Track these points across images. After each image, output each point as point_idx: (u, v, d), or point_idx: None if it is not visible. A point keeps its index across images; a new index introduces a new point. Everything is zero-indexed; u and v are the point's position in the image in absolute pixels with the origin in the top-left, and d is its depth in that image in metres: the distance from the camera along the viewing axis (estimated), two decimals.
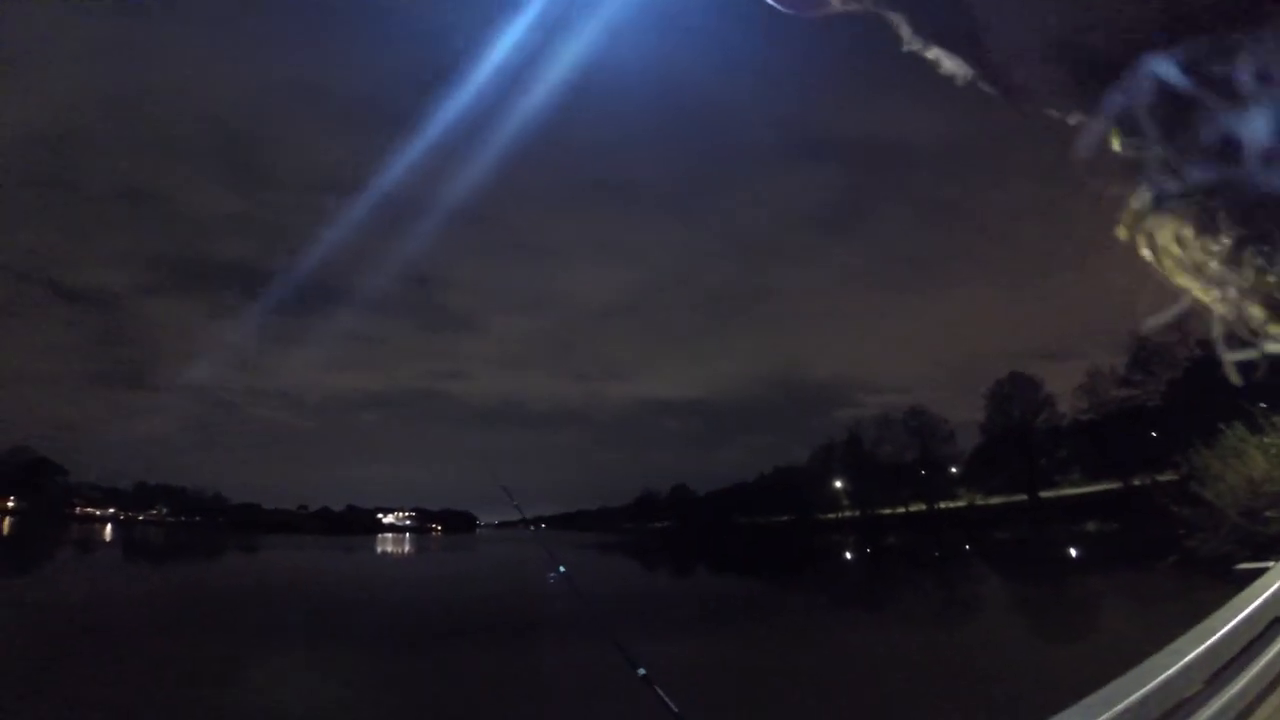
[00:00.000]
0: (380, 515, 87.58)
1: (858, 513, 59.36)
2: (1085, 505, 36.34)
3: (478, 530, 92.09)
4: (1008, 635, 14.66)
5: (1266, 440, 16.83)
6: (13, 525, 51.32)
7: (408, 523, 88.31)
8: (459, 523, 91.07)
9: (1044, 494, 42.93)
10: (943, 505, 52.21)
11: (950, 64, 0.27)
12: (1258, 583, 3.17)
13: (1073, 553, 24.90)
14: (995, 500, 46.96)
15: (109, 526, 60.62)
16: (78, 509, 61.71)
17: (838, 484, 62.32)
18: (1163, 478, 25.11)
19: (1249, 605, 2.50)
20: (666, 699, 0.96)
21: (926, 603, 20.78)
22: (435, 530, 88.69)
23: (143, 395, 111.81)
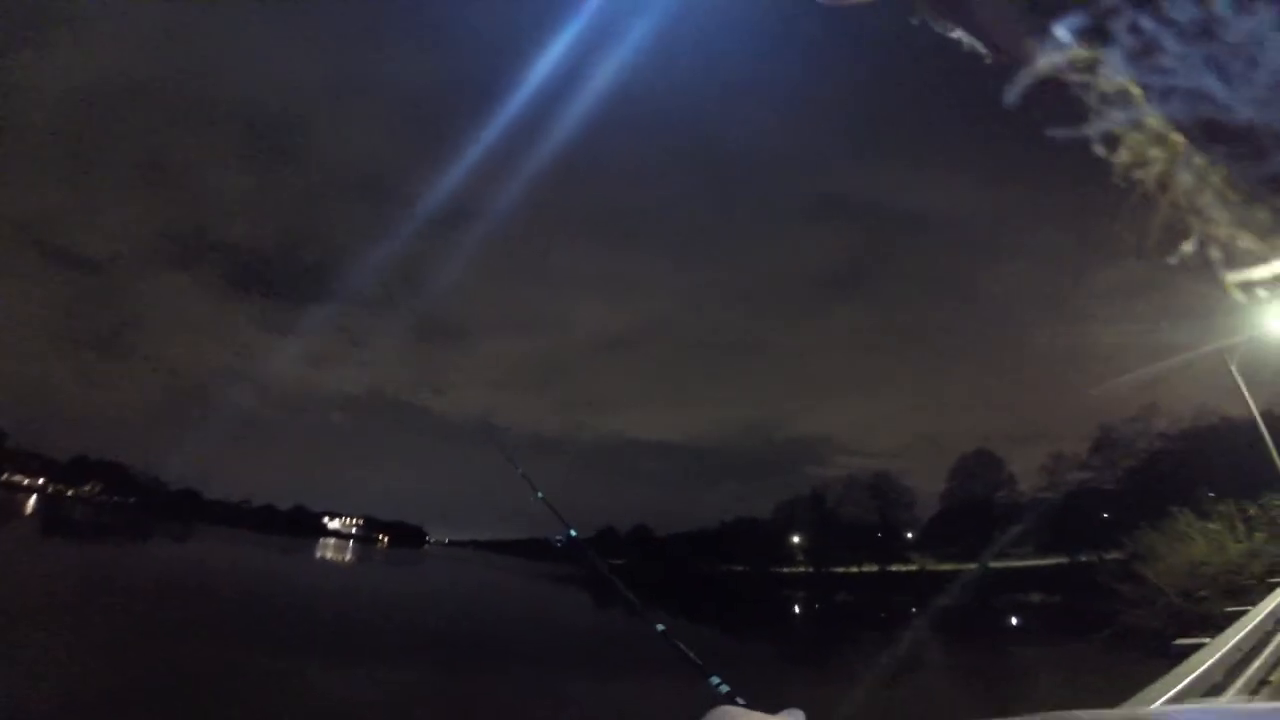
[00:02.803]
0: (326, 520, 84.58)
1: (812, 569, 59.43)
2: (1032, 577, 36.80)
3: (426, 546, 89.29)
4: (941, 698, 14.37)
5: (1210, 526, 17.19)
6: None
7: (354, 530, 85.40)
8: (408, 536, 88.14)
9: (994, 564, 43.40)
10: (895, 568, 52.49)
11: (963, 38, 0.31)
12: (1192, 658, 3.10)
13: (1014, 621, 24.84)
14: (946, 566, 47.34)
15: (32, 498, 57.50)
16: (5, 475, 58.41)
17: (796, 539, 62.93)
18: (1109, 556, 25.42)
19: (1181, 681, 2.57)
20: (686, 650, 0.85)
21: (867, 661, 20.40)
22: (381, 541, 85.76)
23: (109, 364, 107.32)
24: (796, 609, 40.93)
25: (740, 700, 0.74)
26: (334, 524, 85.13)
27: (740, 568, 65.56)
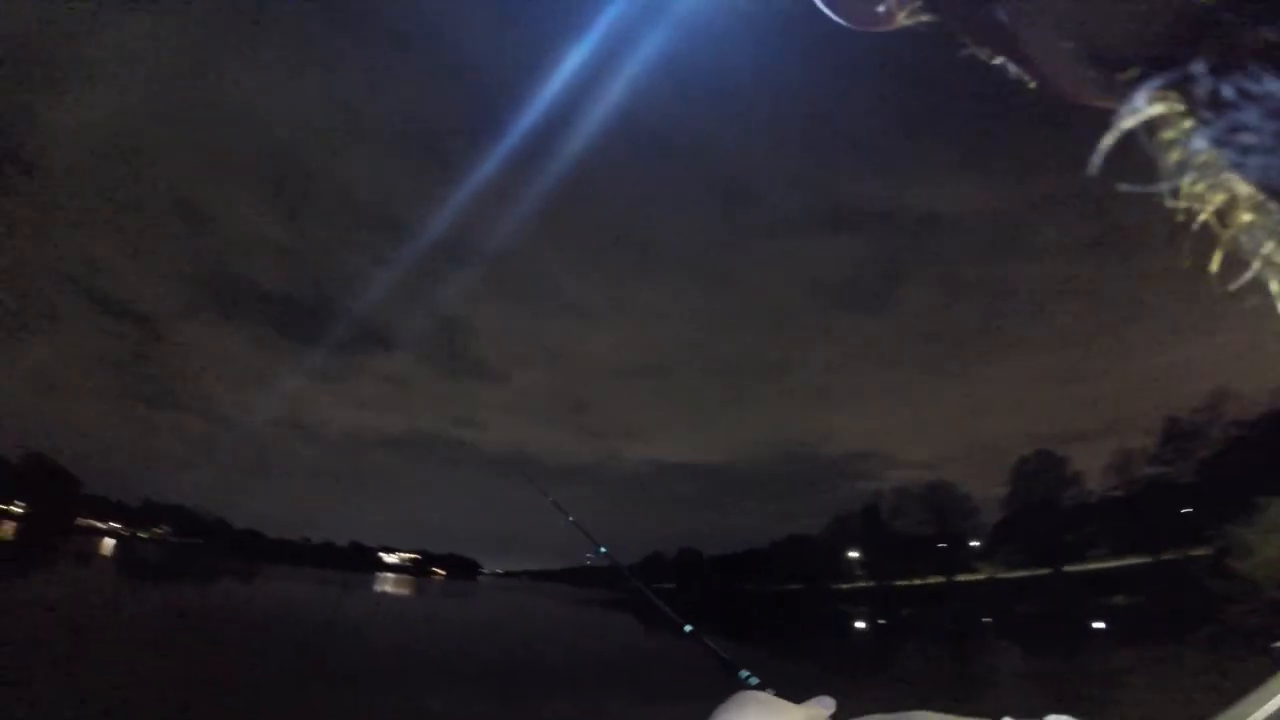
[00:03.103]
0: (383, 554, 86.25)
1: (871, 583, 57.91)
2: (1112, 579, 34.63)
3: (479, 578, 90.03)
4: (1025, 706, 13.55)
5: None
6: (16, 531, 51.33)
7: (410, 564, 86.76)
8: (462, 568, 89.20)
9: (1069, 568, 41.28)
10: (961, 578, 50.51)
11: (1005, 66, 0.30)
12: None
13: (1099, 625, 23.35)
14: (1017, 574, 45.29)
15: (110, 541, 60.40)
16: (83, 521, 61.70)
17: (852, 554, 61.82)
18: (1195, 552, 23.77)
19: None
20: (716, 649, 0.89)
21: (940, 673, 19.52)
22: (437, 574, 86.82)
23: (167, 414, 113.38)
24: (858, 624, 39.53)
25: (770, 690, 0.72)
26: (390, 558, 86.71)
27: (795, 586, 64.59)
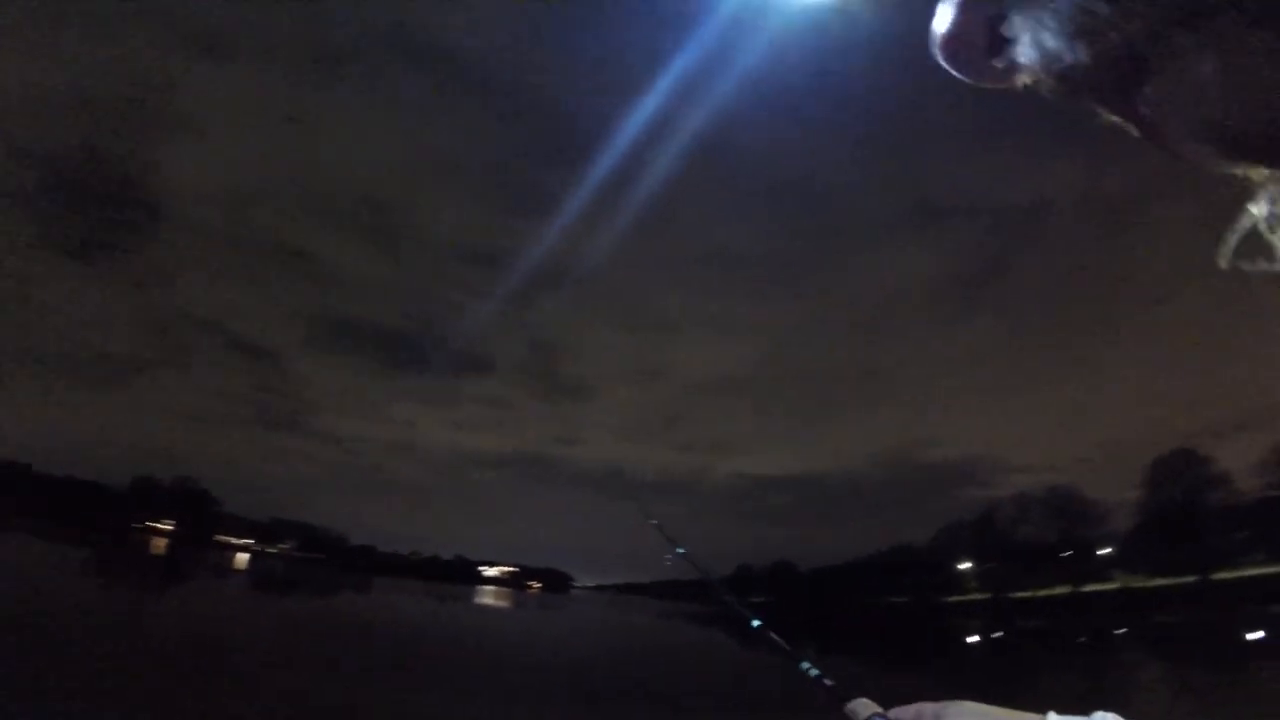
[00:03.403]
0: (483, 569, 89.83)
1: (986, 595, 54.25)
2: (1268, 586, 30.26)
3: (572, 591, 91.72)
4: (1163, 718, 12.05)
5: None
6: (165, 546, 57.89)
7: (508, 577, 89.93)
8: (556, 582, 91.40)
9: (1217, 576, 36.56)
10: (1090, 588, 46.05)
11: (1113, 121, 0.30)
12: None
13: (1256, 636, 20.41)
14: (1156, 582, 40.66)
15: (244, 556, 66.69)
16: (221, 537, 68.67)
17: (964, 565, 58.54)
18: None
19: None
20: (781, 641, 0.99)
21: (1069, 689, 17.77)
22: (533, 587, 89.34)
23: (292, 440, 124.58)
24: (973, 638, 36.77)
25: (828, 681, 0.79)
26: (490, 572, 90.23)
27: (899, 599, 61.35)
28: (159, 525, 62.25)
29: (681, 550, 1.67)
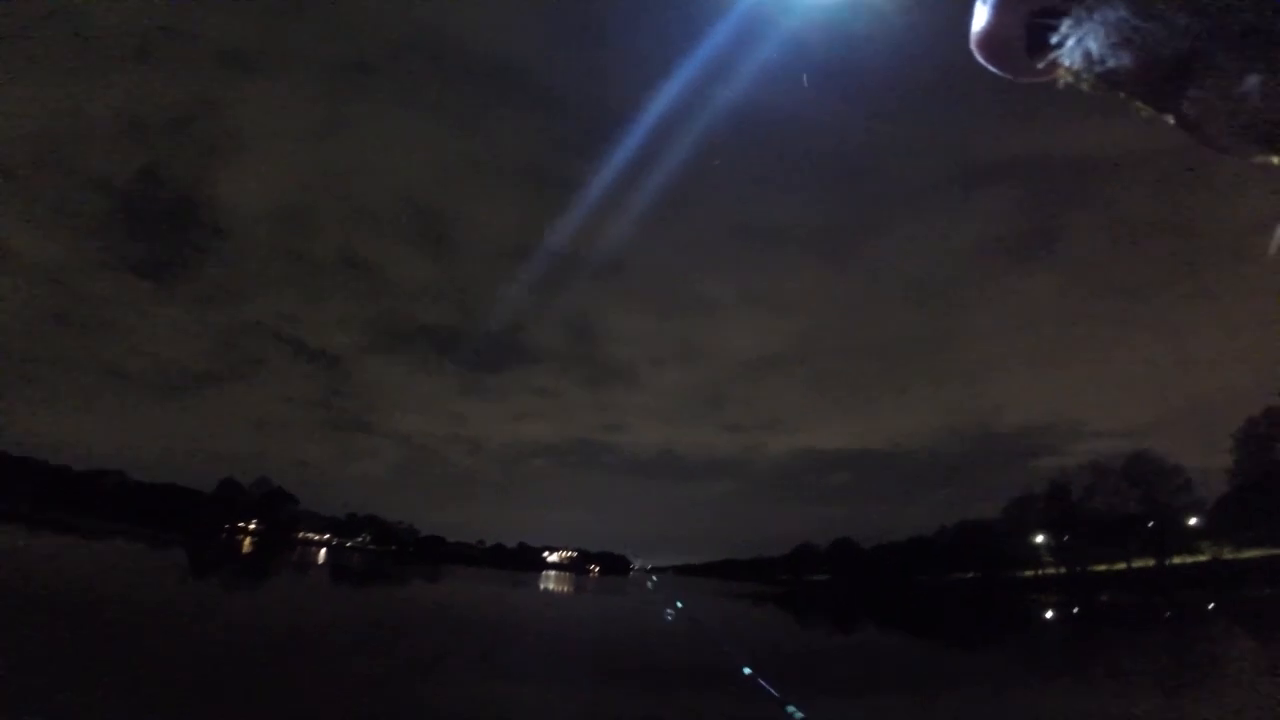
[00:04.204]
0: (546, 554, 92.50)
1: (1063, 570, 52.16)
2: None
3: (630, 573, 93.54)
4: (1263, 700, 11.38)
5: None
6: (252, 544, 62.04)
7: (569, 561, 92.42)
8: (615, 565, 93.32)
9: None
10: (1177, 560, 43.50)
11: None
12: None
13: None
14: (1251, 553, 38.02)
15: (323, 550, 70.71)
16: (301, 534, 72.93)
17: (1037, 539, 55.75)
18: None
19: None
20: (769, 687, 1.04)
21: (1153, 667, 17.01)
22: (593, 571, 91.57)
23: (360, 439, 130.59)
24: (1048, 614, 35.46)
25: None
26: (553, 557, 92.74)
27: (969, 575, 59.59)
28: (246, 525, 66.61)
29: (680, 605, 1.70)
